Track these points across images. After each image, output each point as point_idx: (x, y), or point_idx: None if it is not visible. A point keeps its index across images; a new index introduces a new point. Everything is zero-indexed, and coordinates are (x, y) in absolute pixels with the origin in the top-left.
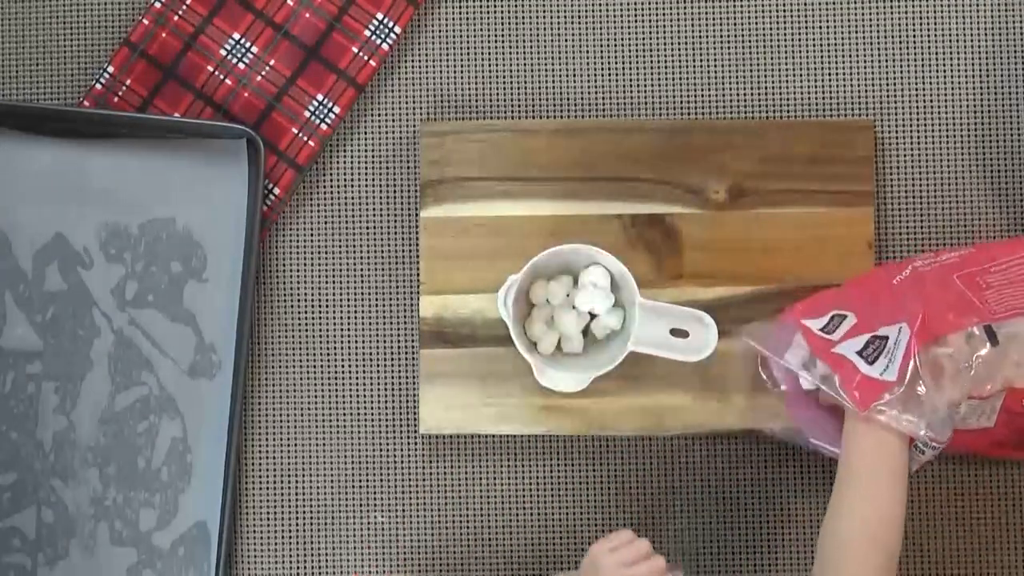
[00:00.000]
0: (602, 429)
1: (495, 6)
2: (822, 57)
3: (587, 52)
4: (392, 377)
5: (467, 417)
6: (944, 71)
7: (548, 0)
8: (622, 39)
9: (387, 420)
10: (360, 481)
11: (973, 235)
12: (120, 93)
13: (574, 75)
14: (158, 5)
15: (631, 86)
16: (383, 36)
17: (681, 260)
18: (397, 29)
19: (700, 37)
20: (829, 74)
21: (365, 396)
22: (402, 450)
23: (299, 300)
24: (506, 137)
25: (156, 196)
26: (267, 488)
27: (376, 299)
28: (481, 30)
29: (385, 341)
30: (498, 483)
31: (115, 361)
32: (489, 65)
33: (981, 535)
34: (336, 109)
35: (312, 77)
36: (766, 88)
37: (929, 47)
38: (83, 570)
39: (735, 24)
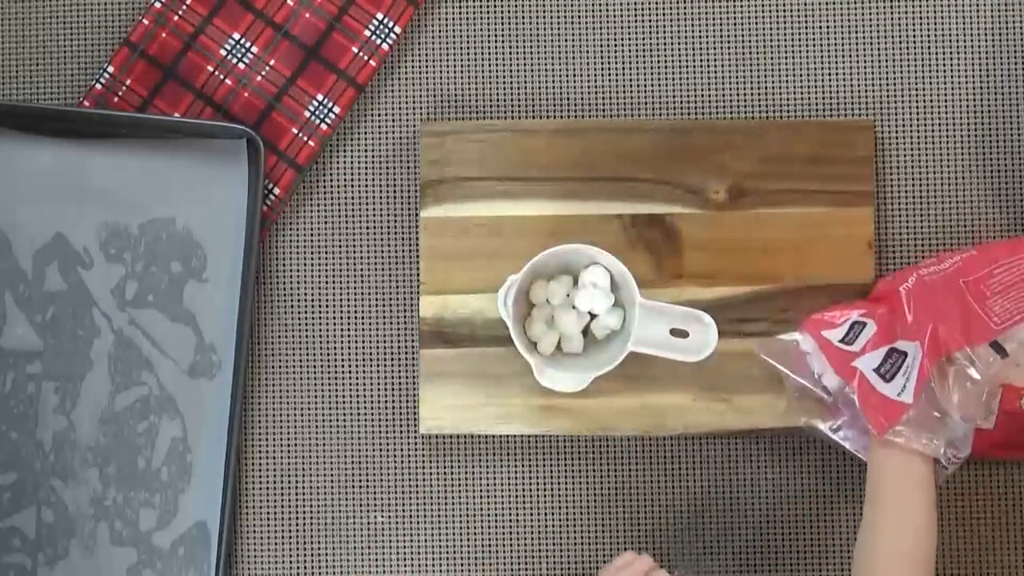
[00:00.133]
0: (602, 429)
1: (495, 6)
2: (822, 57)
3: (587, 52)
4: (392, 377)
5: (467, 417)
6: (944, 71)
7: (548, 0)
8: (622, 39)
9: (387, 420)
10: (360, 481)
11: (973, 235)
12: (120, 93)
13: (574, 75)
14: (158, 5)
15: (631, 86)
16: (383, 36)
17: (681, 260)
18: (397, 29)
19: (700, 37)
20: (829, 74)
21: (365, 396)
22: (402, 450)
23: (299, 300)
24: (506, 137)
25: (156, 196)
26: (267, 488)
27: (376, 299)
28: (481, 30)
29: (385, 341)
30: (498, 483)
31: (115, 361)
32: (489, 65)
33: (981, 535)
34: (336, 109)
35: (312, 77)
36: (766, 88)
37: (929, 47)
38: (83, 570)
39: (735, 24)
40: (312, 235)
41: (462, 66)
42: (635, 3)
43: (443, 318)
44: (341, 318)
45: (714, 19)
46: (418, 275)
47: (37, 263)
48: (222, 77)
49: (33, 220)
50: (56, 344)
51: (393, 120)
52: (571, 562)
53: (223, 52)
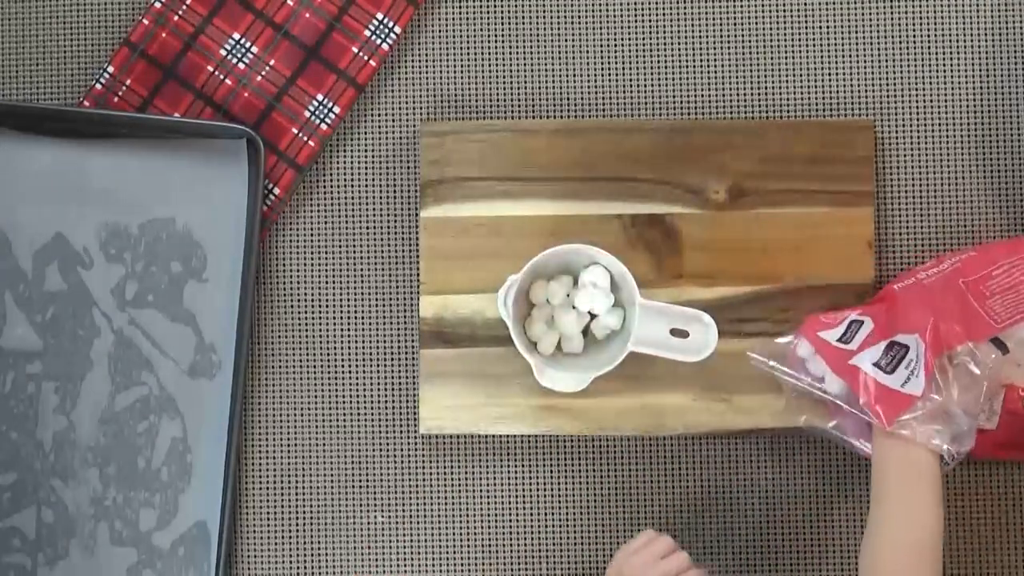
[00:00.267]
0: (602, 429)
1: (495, 6)
2: (822, 57)
3: (587, 52)
4: (392, 377)
5: (467, 417)
6: (944, 71)
7: (548, 0)
8: (622, 39)
9: (387, 420)
10: (360, 481)
11: (973, 235)
12: (120, 93)
13: (574, 75)
14: (158, 5)
15: (631, 86)
16: (383, 36)
17: (681, 260)
18: (397, 29)
19: (700, 37)
20: (829, 74)
21: (365, 396)
22: (402, 450)
23: (299, 300)
24: (506, 137)
25: (156, 196)
26: (267, 488)
27: (376, 299)
28: (481, 30)
29: (385, 341)
30: (498, 483)
31: (115, 361)
32: (489, 65)
33: (981, 535)
34: (336, 109)
35: (312, 77)
36: (766, 88)
37: (929, 47)
38: (83, 570)
39: (735, 24)
40: (312, 235)
41: (462, 66)
42: (635, 3)
43: (443, 318)
44: (341, 318)
45: (714, 19)
46: (418, 275)
47: (37, 263)
48: (222, 77)
49: (33, 220)
50: (56, 344)
51: (393, 120)
52: (571, 562)
53: (223, 52)
